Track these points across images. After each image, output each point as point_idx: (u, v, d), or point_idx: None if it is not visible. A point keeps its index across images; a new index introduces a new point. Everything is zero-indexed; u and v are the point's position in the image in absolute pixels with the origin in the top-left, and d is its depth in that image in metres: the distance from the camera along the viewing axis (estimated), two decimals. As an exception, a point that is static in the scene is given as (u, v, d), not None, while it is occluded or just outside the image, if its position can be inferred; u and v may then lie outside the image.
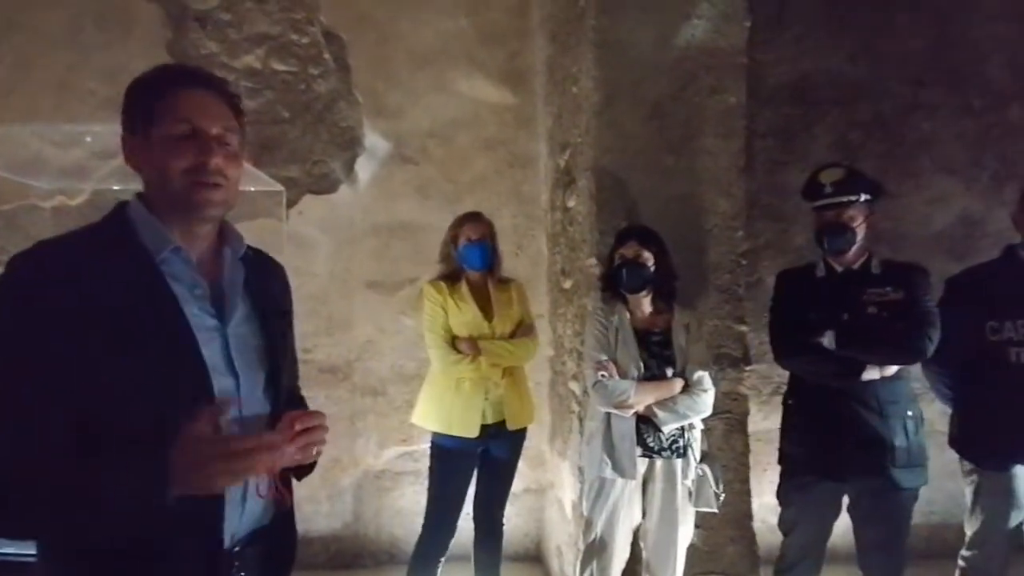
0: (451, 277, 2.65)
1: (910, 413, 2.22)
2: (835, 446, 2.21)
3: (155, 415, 0.97)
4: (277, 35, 3.30)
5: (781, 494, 2.41)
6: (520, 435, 2.69)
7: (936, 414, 3.40)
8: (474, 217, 2.65)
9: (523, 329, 2.67)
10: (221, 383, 1.06)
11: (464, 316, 2.58)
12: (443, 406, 2.59)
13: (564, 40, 2.90)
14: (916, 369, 2.43)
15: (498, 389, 2.59)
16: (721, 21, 2.54)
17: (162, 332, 1.01)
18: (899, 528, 2.25)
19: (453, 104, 3.40)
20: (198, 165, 1.05)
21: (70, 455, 0.95)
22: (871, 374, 2.18)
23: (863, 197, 2.24)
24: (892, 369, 2.20)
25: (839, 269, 2.31)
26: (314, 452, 1.12)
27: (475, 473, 2.69)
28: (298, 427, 1.06)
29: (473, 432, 2.54)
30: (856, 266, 2.29)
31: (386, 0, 3.35)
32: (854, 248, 2.27)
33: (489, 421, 2.57)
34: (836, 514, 2.36)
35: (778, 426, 2.48)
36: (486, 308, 2.62)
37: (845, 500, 2.35)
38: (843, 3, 3.36)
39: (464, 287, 2.63)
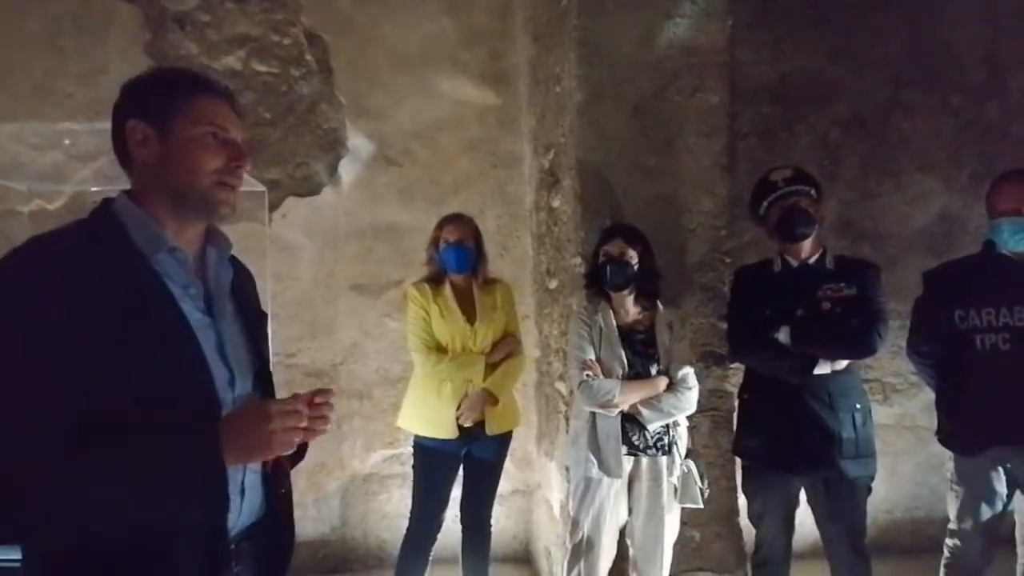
0: (435, 279, 2.65)
1: (858, 406, 2.28)
2: (788, 439, 2.25)
3: (160, 408, 0.98)
4: (258, 36, 3.28)
5: (746, 489, 2.45)
6: (505, 438, 2.68)
7: (918, 409, 3.47)
8: (454, 219, 2.64)
9: (507, 341, 2.66)
10: (219, 376, 1.08)
11: (446, 320, 2.58)
12: (426, 409, 2.59)
13: (547, 40, 2.91)
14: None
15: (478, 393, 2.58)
16: (703, 20, 2.55)
17: (164, 329, 1.03)
18: (855, 519, 2.30)
19: (436, 105, 3.39)
20: (230, 167, 1.10)
21: (76, 449, 0.94)
22: (822, 368, 2.23)
23: (812, 191, 2.34)
24: (842, 363, 2.26)
25: (795, 264, 2.35)
26: (325, 428, 1.16)
27: (460, 475, 2.69)
28: (318, 400, 1.11)
29: (453, 433, 2.54)
30: (811, 261, 2.34)
31: (368, 1, 3.34)
32: (809, 241, 2.32)
33: (470, 423, 2.57)
34: (796, 504, 2.40)
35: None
36: (469, 312, 2.61)
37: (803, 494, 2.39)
38: (822, 3, 3.39)
39: (448, 290, 2.62)
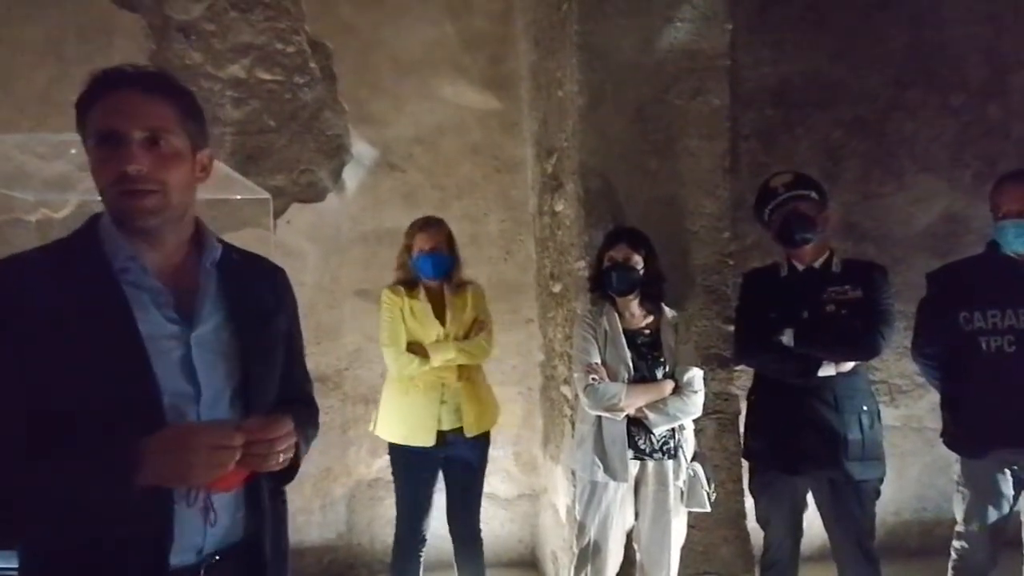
0: (408, 283, 2.63)
1: (865, 408, 2.27)
2: (793, 440, 2.25)
3: (102, 423, 0.96)
4: (262, 45, 3.30)
5: (752, 490, 2.46)
6: (483, 439, 2.65)
7: (925, 410, 3.46)
8: (426, 225, 2.59)
9: (475, 327, 2.63)
10: (176, 392, 1.04)
11: (418, 322, 2.57)
12: (400, 414, 2.57)
13: (548, 45, 2.92)
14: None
15: (456, 396, 2.56)
16: (703, 24, 2.56)
17: (110, 341, 0.99)
18: (862, 521, 2.28)
19: (438, 110, 3.40)
20: (120, 175, 1.00)
21: (23, 459, 0.95)
22: (827, 371, 2.24)
23: (813, 194, 2.33)
24: (848, 365, 2.25)
25: (801, 268, 2.36)
26: (276, 461, 1.07)
27: (442, 479, 2.66)
28: (259, 436, 1.02)
29: (429, 441, 2.51)
30: (817, 264, 2.35)
31: (370, 8, 3.35)
32: (813, 244, 2.32)
33: (446, 427, 2.54)
34: (804, 507, 2.40)
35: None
36: (440, 314, 2.59)
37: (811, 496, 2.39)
38: (822, 5, 3.40)
39: (421, 293, 2.60)
